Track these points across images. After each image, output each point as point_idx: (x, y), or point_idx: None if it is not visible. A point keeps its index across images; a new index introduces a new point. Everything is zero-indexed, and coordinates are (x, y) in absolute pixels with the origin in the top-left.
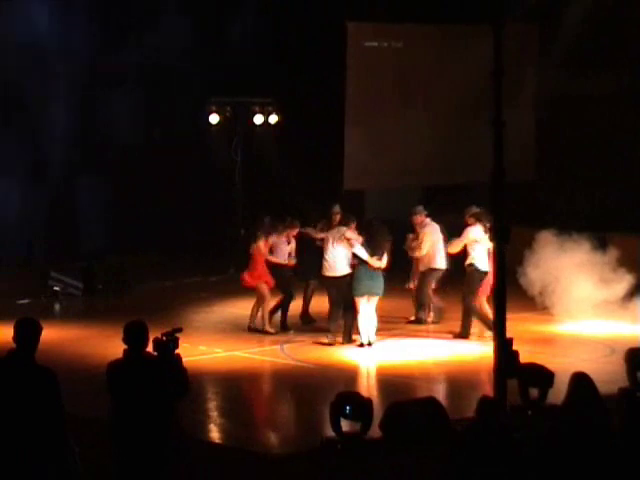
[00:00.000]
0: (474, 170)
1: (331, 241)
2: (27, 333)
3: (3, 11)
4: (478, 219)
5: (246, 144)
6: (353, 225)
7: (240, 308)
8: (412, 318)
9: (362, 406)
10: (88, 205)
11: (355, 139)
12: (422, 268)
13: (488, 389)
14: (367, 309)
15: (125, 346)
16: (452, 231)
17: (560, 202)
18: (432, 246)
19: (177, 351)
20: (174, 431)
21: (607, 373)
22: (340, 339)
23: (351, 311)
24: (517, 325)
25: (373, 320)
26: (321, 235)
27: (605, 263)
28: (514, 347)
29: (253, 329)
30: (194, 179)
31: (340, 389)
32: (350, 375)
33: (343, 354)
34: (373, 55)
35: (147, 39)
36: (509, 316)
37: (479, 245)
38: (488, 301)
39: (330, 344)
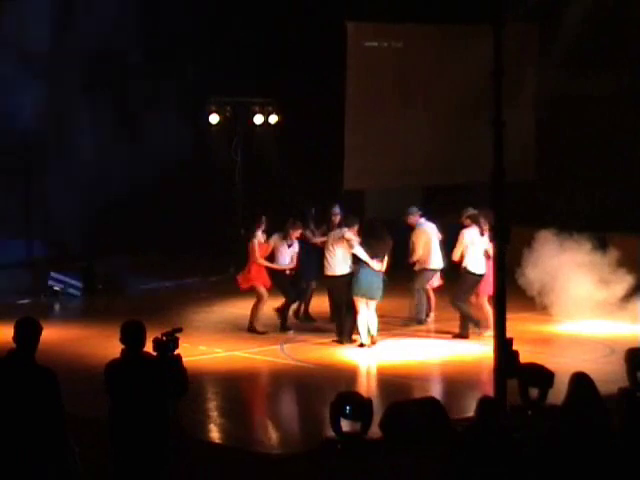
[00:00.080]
0: (474, 170)
1: (331, 241)
2: (27, 333)
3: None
4: (474, 221)
5: (246, 144)
6: (356, 226)
7: (240, 308)
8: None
9: (362, 406)
10: (88, 205)
11: (355, 139)
12: (417, 268)
13: (488, 389)
14: (367, 312)
15: (123, 346)
16: (452, 231)
17: (560, 202)
18: (425, 246)
19: (177, 351)
20: (174, 431)
21: (607, 373)
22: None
23: (351, 311)
24: (517, 325)
25: (374, 321)
26: (321, 239)
27: (605, 263)
28: (514, 347)
29: (252, 329)
30: (194, 179)
31: (340, 389)
32: (350, 375)
33: (343, 354)
34: (373, 55)
35: (147, 39)
36: (509, 316)
37: (474, 247)
38: (489, 301)
39: (342, 342)
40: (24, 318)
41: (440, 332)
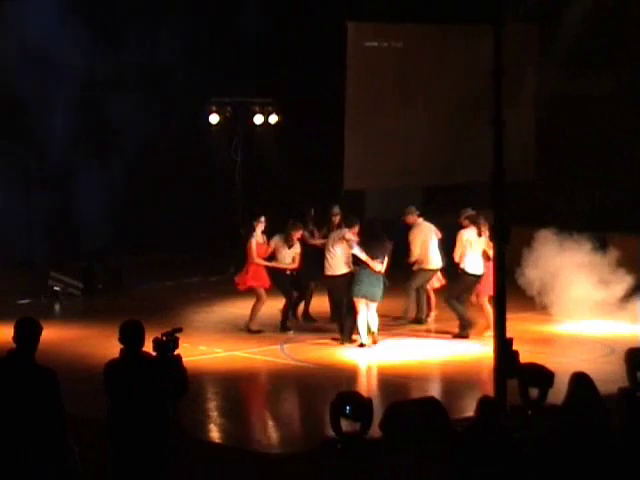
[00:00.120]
0: (474, 170)
1: (331, 242)
2: (27, 333)
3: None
4: (472, 222)
5: (246, 144)
6: (356, 227)
7: (240, 308)
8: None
9: (362, 406)
10: (88, 205)
11: (355, 139)
12: (415, 268)
13: (488, 389)
14: (368, 313)
15: (122, 346)
16: (451, 231)
17: (560, 202)
18: (422, 246)
19: (177, 351)
20: (174, 431)
21: (607, 373)
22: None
23: (351, 311)
24: (517, 325)
25: (375, 320)
26: (320, 241)
27: (605, 263)
28: (514, 347)
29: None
30: (194, 179)
31: (340, 389)
32: (350, 375)
33: (343, 354)
34: (373, 55)
35: (147, 39)
36: (509, 316)
37: (472, 248)
38: (489, 301)
39: (342, 342)
40: (24, 318)
41: (440, 332)
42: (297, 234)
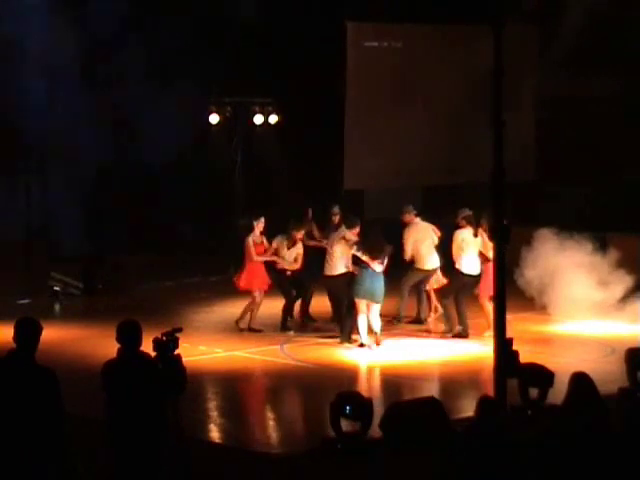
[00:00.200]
0: (474, 170)
1: (331, 242)
2: (27, 333)
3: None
4: (469, 222)
5: (246, 144)
6: (357, 227)
7: (240, 308)
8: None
9: (362, 406)
10: (88, 205)
11: (355, 139)
12: (412, 267)
13: (488, 389)
14: (369, 314)
15: (119, 345)
16: (451, 231)
17: (560, 202)
18: (415, 245)
19: (177, 351)
20: (174, 431)
21: (607, 373)
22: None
23: (351, 311)
24: (517, 325)
25: (377, 321)
26: (314, 243)
27: (605, 263)
28: (514, 347)
29: (253, 329)
30: (194, 179)
31: (340, 389)
32: (350, 375)
33: (343, 354)
34: (373, 55)
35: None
36: (509, 316)
37: (467, 248)
38: (489, 301)
39: (341, 342)
40: (24, 318)
41: (440, 332)
42: (299, 234)
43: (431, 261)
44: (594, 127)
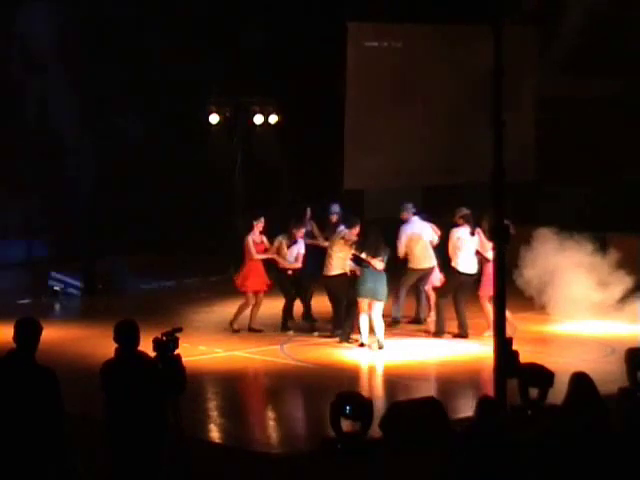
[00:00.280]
0: (474, 170)
1: (331, 242)
2: (27, 333)
3: None
4: (467, 221)
5: (246, 144)
6: (357, 227)
7: None
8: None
9: (362, 406)
10: (88, 205)
11: (355, 139)
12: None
13: (488, 389)
14: (371, 313)
15: (117, 345)
16: (449, 230)
17: (560, 202)
18: (409, 244)
19: (177, 351)
20: (174, 431)
21: (607, 373)
22: (360, 337)
23: (352, 311)
24: (517, 325)
25: (380, 325)
26: (310, 241)
27: (605, 264)
28: (514, 347)
29: (253, 329)
30: (194, 179)
31: (340, 389)
32: (350, 375)
33: (343, 354)
34: (373, 55)
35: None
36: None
37: (464, 247)
38: (489, 301)
39: (340, 342)
40: (24, 318)
41: (432, 333)
42: (299, 232)
43: (425, 260)
44: (594, 127)
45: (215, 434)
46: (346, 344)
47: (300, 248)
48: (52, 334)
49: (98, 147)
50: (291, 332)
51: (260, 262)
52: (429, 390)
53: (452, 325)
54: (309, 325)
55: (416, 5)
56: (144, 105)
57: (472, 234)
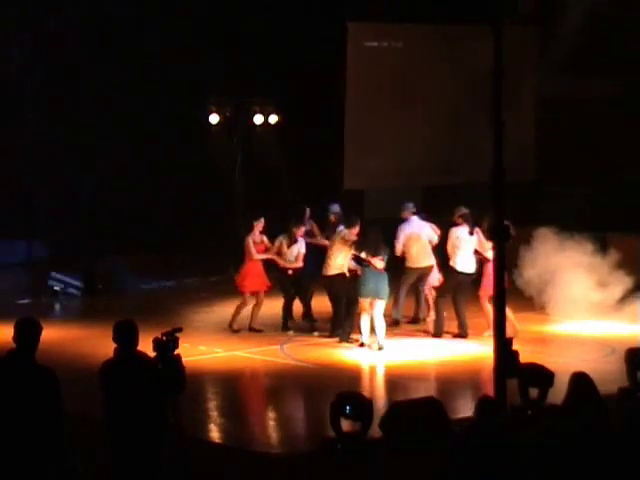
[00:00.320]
0: (474, 170)
1: (331, 242)
2: (27, 333)
3: None
4: (465, 220)
5: (246, 144)
6: (357, 227)
7: None
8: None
9: (362, 406)
10: (88, 205)
11: (355, 139)
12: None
13: (488, 389)
14: (373, 313)
15: (116, 345)
16: (448, 230)
17: (560, 202)
18: (407, 243)
19: (177, 351)
20: (174, 431)
21: (607, 373)
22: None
23: (352, 311)
24: (518, 328)
25: (382, 326)
26: (314, 241)
27: (604, 264)
28: (514, 347)
29: (253, 329)
30: (194, 179)
31: (340, 389)
32: (350, 375)
33: (343, 354)
34: (373, 55)
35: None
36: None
37: (461, 246)
38: (489, 301)
39: (340, 341)
40: (24, 318)
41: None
42: (299, 231)
43: (423, 259)
44: (594, 127)
45: (215, 434)
46: (346, 344)
47: (301, 247)
48: (52, 334)
49: (98, 147)
50: (291, 332)
51: (260, 262)
52: (429, 390)
53: (452, 325)
54: (309, 325)
55: (416, 5)
56: (144, 105)
57: (471, 233)
